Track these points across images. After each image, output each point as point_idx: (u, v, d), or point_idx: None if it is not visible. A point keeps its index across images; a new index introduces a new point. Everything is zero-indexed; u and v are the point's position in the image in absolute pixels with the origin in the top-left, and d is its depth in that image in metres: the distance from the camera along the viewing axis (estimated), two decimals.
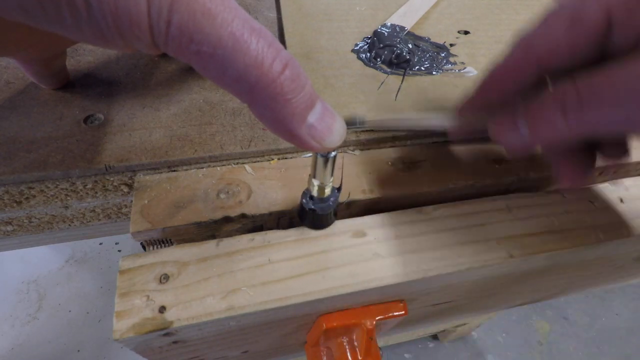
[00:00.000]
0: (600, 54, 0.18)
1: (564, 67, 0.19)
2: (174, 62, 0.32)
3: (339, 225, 0.23)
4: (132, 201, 0.23)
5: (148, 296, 0.19)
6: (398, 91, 0.30)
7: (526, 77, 0.19)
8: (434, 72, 0.32)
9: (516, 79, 0.20)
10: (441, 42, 0.36)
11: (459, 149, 0.28)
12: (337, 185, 0.21)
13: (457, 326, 0.89)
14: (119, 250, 1.15)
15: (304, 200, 0.21)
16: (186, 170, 0.25)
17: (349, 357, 0.23)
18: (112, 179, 0.24)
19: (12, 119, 0.26)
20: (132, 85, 0.29)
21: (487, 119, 0.21)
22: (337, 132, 0.16)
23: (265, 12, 0.40)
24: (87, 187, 0.25)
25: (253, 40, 0.13)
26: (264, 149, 0.26)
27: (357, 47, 0.35)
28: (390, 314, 0.24)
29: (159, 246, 0.24)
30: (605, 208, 0.25)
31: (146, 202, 0.23)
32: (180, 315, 0.19)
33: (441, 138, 0.29)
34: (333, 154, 0.18)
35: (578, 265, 0.29)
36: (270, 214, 0.23)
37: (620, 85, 0.16)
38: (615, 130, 0.17)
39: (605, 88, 0.16)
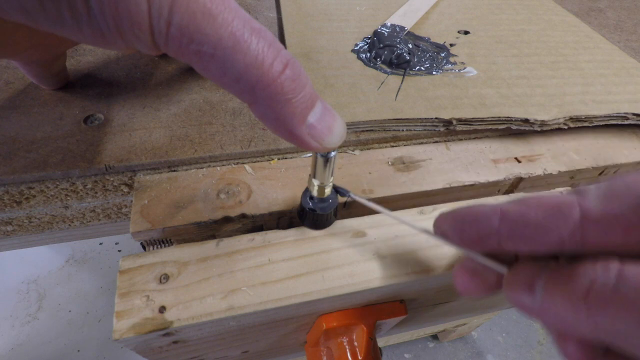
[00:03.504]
0: None
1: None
2: (174, 62, 0.32)
3: (339, 225, 0.23)
4: (132, 201, 0.23)
5: (148, 296, 0.19)
6: (398, 91, 0.30)
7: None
8: (434, 72, 0.32)
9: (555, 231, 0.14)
10: (441, 42, 0.36)
11: (459, 149, 0.28)
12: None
13: (457, 326, 0.89)
14: (119, 250, 1.15)
15: (304, 200, 0.21)
16: (186, 170, 0.25)
17: (349, 357, 0.23)
18: (112, 179, 0.24)
19: (12, 119, 0.26)
20: (132, 85, 0.29)
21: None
22: (337, 132, 0.16)
23: (265, 12, 0.40)
24: (87, 187, 0.25)
25: (253, 40, 0.13)
26: (264, 149, 0.26)
27: (357, 47, 0.35)
28: (390, 314, 0.24)
29: (159, 246, 0.24)
30: None
31: (146, 202, 0.23)
32: (180, 315, 0.19)
33: (442, 138, 0.29)
34: (333, 154, 0.18)
35: None
36: (270, 214, 0.23)
37: None
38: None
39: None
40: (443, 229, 0.17)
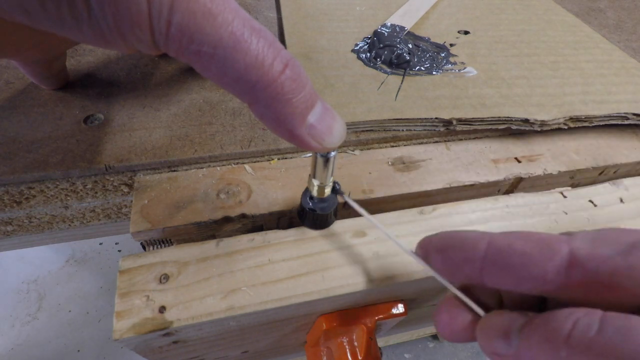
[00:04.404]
0: None
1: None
2: (174, 62, 0.32)
3: (339, 225, 0.23)
4: (132, 201, 0.23)
5: (148, 296, 0.19)
6: (398, 91, 0.30)
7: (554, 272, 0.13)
8: (434, 72, 0.32)
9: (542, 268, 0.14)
10: (441, 42, 0.36)
11: (459, 149, 0.28)
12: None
13: None
14: (119, 250, 1.15)
15: (304, 200, 0.21)
16: (186, 170, 0.25)
17: (349, 357, 0.23)
18: (112, 179, 0.24)
19: (12, 119, 0.26)
20: (132, 85, 0.29)
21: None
22: (337, 133, 0.16)
23: (265, 12, 0.40)
24: (87, 187, 0.25)
25: (253, 40, 0.13)
26: (264, 149, 0.26)
27: (357, 47, 0.35)
28: (390, 314, 0.24)
29: (159, 246, 0.24)
30: (605, 208, 0.25)
31: (146, 202, 0.23)
32: (180, 315, 0.19)
33: (442, 138, 0.29)
34: (333, 154, 0.18)
35: None
36: (270, 214, 0.23)
37: None
38: None
39: None
40: (427, 249, 0.16)
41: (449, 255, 0.16)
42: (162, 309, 0.19)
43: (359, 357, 0.23)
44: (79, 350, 0.96)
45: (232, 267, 0.21)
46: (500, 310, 0.15)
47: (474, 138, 0.29)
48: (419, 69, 0.32)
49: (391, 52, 0.33)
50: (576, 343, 0.12)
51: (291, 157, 0.26)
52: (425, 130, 0.28)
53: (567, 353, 0.12)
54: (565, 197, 0.26)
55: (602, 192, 0.26)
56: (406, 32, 0.36)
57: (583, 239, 0.14)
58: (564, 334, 0.12)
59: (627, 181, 0.27)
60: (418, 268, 0.21)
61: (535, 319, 0.13)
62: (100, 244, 1.16)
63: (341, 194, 0.21)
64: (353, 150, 0.27)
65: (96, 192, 0.25)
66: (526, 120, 0.28)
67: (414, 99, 0.29)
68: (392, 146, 0.28)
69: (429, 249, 0.16)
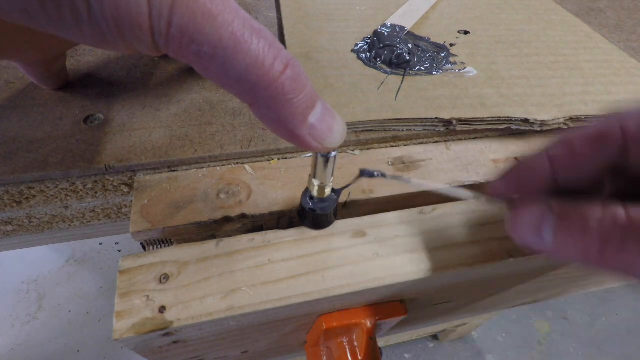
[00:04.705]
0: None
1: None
2: (174, 62, 0.32)
3: (339, 225, 0.23)
4: (132, 201, 0.23)
5: (148, 296, 0.19)
6: (398, 91, 0.30)
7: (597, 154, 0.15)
8: (434, 72, 0.32)
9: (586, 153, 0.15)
10: (441, 42, 0.36)
11: (459, 149, 0.28)
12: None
13: (457, 326, 0.89)
14: (119, 250, 1.15)
15: (304, 200, 0.21)
16: (186, 170, 0.25)
17: (349, 357, 0.23)
18: (112, 179, 0.24)
19: (12, 119, 0.26)
20: (132, 85, 0.29)
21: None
22: (337, 133, 0.16)
23: (265, 12, 0.40)
24: (87, 187, 0.25)
25: (254, 40, 0.13)
26: (264, 149, 0.26)
27: (357, 47, 0.35)
28: (390, 314, 0.24)
29: (159, 246, 0.24)
30: None
31: (146, 202, 0.23)
32: (180, 315, 0.19)
33: (442, 138, 0.29)
34: (333, 154, 0.18)
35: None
36: (270, 214, 0.23)
37: None
38: None
39: None
40: (500, 190, 0.18)
41: (521, 183, 0.17)
42: (162, 309, 0.19)
43: (359, 357, 0.23)
44: (79, 350, 0.96)
45: (232, 267, 0.21)
46: (528, 202, 0.16)
47: (474, 138, 0.29)
48: (419, 69, 0.32)
49: (391, 52, 0.33)
50: (609, 236, 0.13)
51: (291, 157, 0.26)
52: (425, 130, 0.28)
53: (600, 247, 0.13)
54: None
55: None
56: (406, 32, 0.36)
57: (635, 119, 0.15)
58: (595, 228, 0.13)
59: None
60: (418, 268, 0.21)
61: (564, 212, 0.15)
62: (100, 244, 1.16)
63: (383, 173, 0.20)
64: (353, 150, 0.27)
65: (96, 192, 0.25)
66: (526, 120, 0.28)
67: (414, 99, 0.29)
68: (392, 146, 0.28)
69: (501, 189, 0.18)
